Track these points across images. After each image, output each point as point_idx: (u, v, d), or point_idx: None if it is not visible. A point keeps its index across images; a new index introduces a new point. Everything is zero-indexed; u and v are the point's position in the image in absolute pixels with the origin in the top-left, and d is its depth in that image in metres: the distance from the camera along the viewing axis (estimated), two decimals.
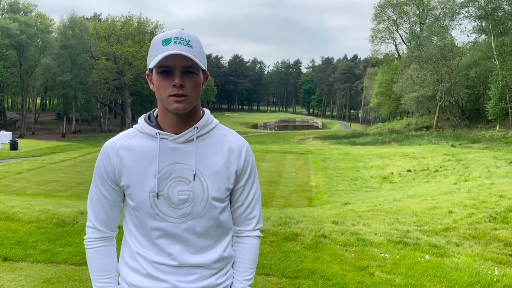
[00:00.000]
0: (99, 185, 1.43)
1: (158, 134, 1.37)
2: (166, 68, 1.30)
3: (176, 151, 1.37)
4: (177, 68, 1.30)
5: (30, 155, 24.96)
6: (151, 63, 1.31)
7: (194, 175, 1.37)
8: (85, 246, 1.48)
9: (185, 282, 1.41)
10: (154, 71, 1.34)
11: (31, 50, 49.07)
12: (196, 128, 1.39)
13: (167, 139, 1.37)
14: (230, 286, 1.52)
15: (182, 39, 1.30)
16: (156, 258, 1.40)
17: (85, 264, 1.54)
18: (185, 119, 1.38)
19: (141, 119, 1.44)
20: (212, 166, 1.40)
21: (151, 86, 1.39)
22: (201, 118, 1.43)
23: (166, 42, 1.30)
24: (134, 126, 1.46)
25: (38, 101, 71.01)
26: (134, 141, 1.40)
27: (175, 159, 1.37)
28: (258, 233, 1.57)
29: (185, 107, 1.32)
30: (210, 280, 1.44)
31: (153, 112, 1.47)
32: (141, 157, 1.38)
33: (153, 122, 1.41)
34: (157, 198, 1.36)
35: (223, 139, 1.45)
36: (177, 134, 1.38)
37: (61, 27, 53.57)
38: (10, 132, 32.99)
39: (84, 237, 1.49)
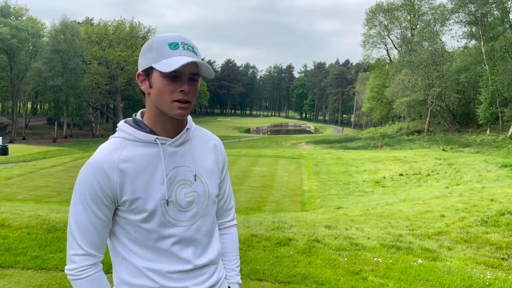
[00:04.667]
0: (92, 206, 1.30)
1: (157, 139, 1.35)
2: (175, 73, 1.28)
3: (175, 155, 1.38)
4: (185, 74, 1.29)
5: (21, 160, 24.68)
6: (161, 66, 1.27)
7: (195, 175, 1.40)
8: (75, 277, 1.31)
9: (199, 284, 1.42)
10: (157, 73, 1.29)
11: (22, 55, 48.76)
12: (188, 130, 1.41)
13: (165, 143, 1.37)
14: (225, 276, 1.56)
15: (188, 45, 1.31)
16: (169, 267, 1.36)
17: None
18: (179, 123, 1.39)
19: (128, 127, 1.37)
20: (206, 164, 1.45)
21: (142, 87, 1.34)
22: (186, 121, 1.44)
23: (174, 46, 1.28)
24: (117, 135, 1.38)
25: (29, 105, 70.58)
26: (130, 151, 1.34)
27: (176, 163, 1.38)
28: (235, 221, 1.66)
29: (187, 113, 1.34)
30: (216, 275, 1.48)
31: (136, 117, 1.42)
32: (144, 166, 1.33)
33: (145, 127, 1.37)
34: (167, 204, 1.35)
35: (206, 138, 1.51)
36: (171, 138, 1.37)
37: (52, 31, 53.25)
38: (0, 137, 32.57)
39: (70, 267, 1.32)
